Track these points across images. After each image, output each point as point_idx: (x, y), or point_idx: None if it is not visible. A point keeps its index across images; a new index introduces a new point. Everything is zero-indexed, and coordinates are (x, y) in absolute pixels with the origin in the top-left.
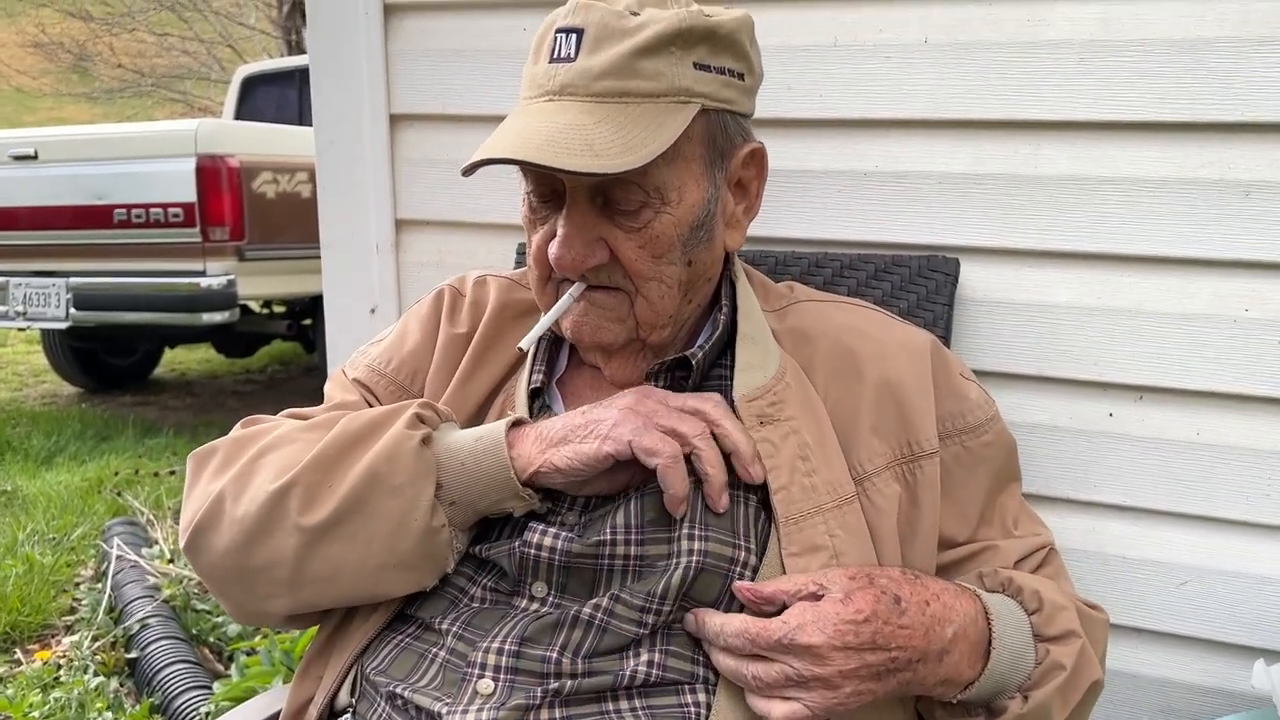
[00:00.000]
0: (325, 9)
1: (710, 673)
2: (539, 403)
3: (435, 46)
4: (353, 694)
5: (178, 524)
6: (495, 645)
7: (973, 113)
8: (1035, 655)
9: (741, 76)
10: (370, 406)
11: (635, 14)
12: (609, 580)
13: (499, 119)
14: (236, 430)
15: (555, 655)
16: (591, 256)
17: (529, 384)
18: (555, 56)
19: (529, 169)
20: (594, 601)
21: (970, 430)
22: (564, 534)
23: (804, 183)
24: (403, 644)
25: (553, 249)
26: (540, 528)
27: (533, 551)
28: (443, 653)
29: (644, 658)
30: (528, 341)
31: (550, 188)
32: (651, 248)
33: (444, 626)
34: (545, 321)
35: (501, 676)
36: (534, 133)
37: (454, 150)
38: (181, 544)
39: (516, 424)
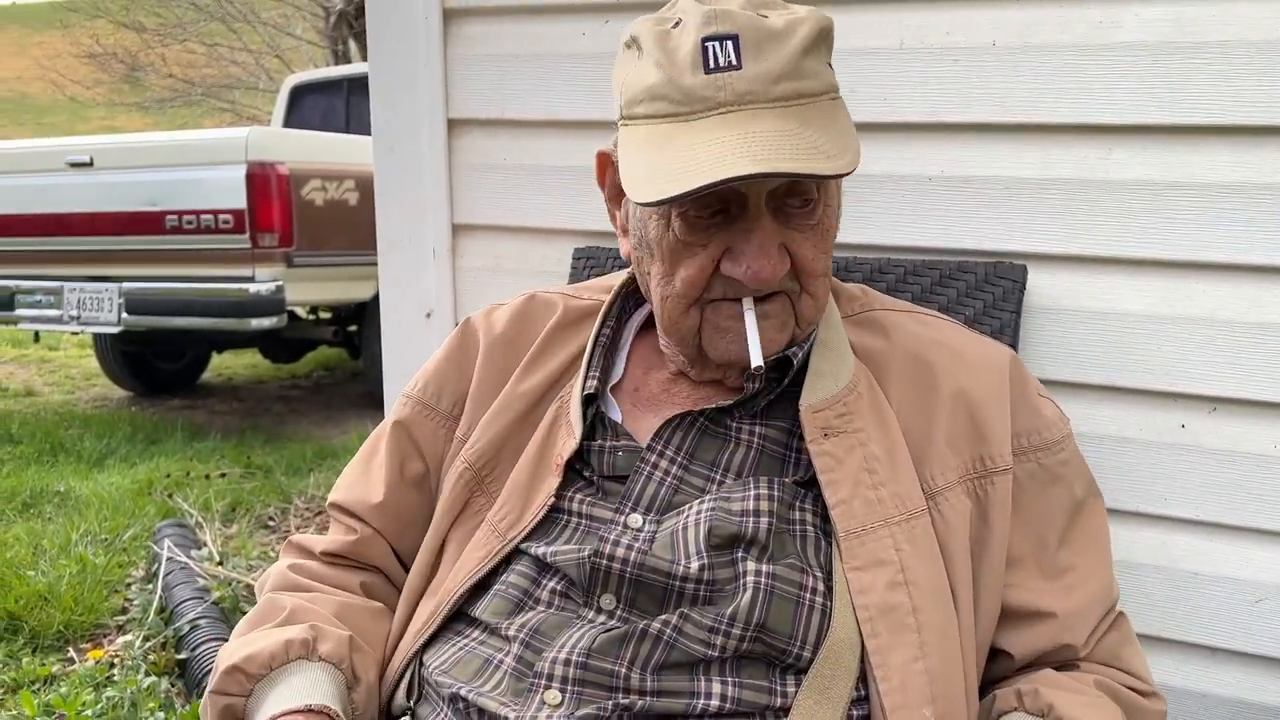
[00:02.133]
0: (386, 15)
1: (785, 701)
2: (593, 409)
3: (494, 52)
4: (409, 697)
5: (226, 527)
6: (562, 656)
7: (1042, 116)
8: None
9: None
10: (397, 446)
11: (764, 16)
12: (678, 600)
13: (557, 124)
14: (280, 562)
15: (624, 670)
16: (784, 264)
17: (583, 389)
18: (714, 66)
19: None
20: (663, 618)
21: (1046, 447)
22: (636, 545)
23: (867, 187)
24: (468, 647)
25: (748, 266)
26: (612, 538)
27: (604, 562)
28: (509, 659)
29: (716, 689)
30: (757, 361)
31: (721, 202)
32: (823, 243)
33: (511, 632)
34: (753, 338)
35: (569, 688)
36: (756, 145)
37: (512, 155)
38: None
39: None
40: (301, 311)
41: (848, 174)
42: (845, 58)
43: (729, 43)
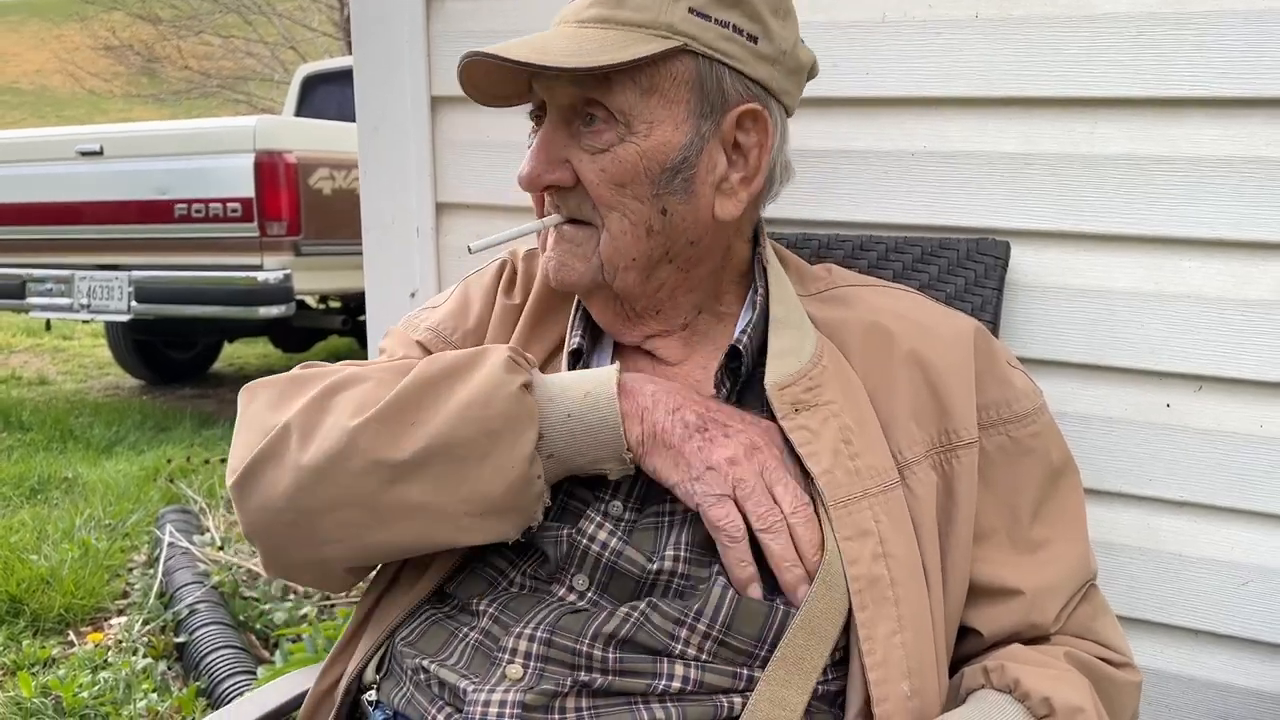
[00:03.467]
0: None
1: (749, 685)
2: (580, 364)
3: (476, 28)
4: (379, 670)
5: (229, 513)
6: (528, 631)
7: (1025, 90)
8: None
9: (754, 40)
10: None
11: None
12: (651, 590)
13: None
14: (296, 370)
15: (585, 648)
16: (551, 173)
17: (568, 346)
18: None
19: (530, 93)
20: (631, 603)
21: (1016, 419)
22: (617, 532)
23: (849, 163)
24: (436, 619)
25: (520, 166)
26: (596, 519)
27: (584, 541)
28: (475, 634)
29: (679, 671)
30: (477, 245)
31: (539, 108)
32: (613, 172)
33: (482, 608)
34: (506, 234)
35: (531, 663)
36: (512, 45)
37: (495, 132)
38: (230, 482)
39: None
40: (311, 300)
41: (539, 68)
42: (827, 31)
43: None
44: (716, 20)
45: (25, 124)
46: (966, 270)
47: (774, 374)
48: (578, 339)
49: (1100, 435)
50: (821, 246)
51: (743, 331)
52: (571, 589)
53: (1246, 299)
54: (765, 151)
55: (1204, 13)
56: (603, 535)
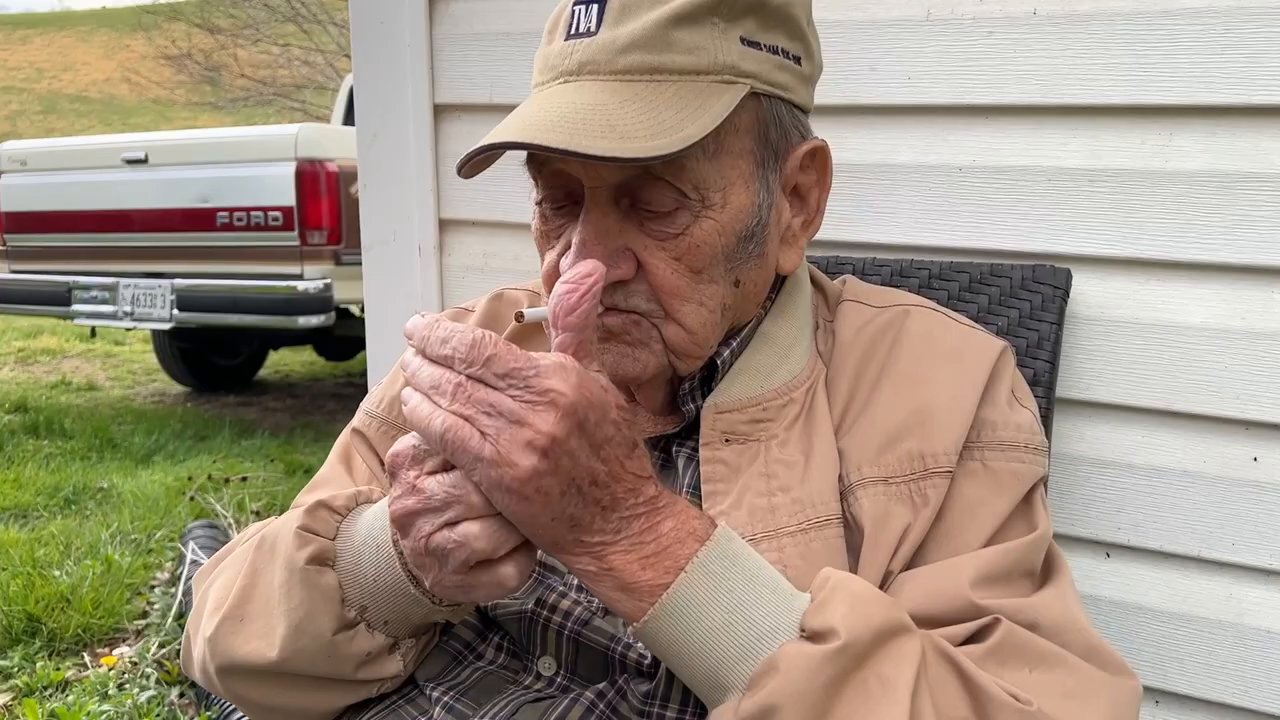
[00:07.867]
0: None
1: None
2: None
3: (482, 30)
4: None
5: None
6: None
7: (1090, 97)
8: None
9: (798, 60)
10: (362, 456)
11: None
12: (621, 668)
13: None
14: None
15: None
16: (614, 269)
17: None
18: (573, 33)
19: (540, 168)
20: (598, 688)
21: (997, 445)
22: (582, 602)
23: (889, 179)
24: (394, 705)
25: (566, 260)
26: (559, 589)
27: (544, 613)
28: None
29: None
30: (530, 315)
31: (565, 192)
32: (690, 260)
33: (435, 695)
34: (541, 311)
35: None
36: (544, 116)
37: None
38: None
39: None
40: (355, 309)
41: (628, 162)
42: (865, 30)
43: (595, 7)
44: (767, 47)
45: (93, 131)
46: (1021, 301)
47: (722, 394)
48: None
49: (1175, 491)
50: (856, 271)
51: (725, 345)
52: (538, 675)
53: None
54: (825, 190)
55: None
56: (565, 605)
